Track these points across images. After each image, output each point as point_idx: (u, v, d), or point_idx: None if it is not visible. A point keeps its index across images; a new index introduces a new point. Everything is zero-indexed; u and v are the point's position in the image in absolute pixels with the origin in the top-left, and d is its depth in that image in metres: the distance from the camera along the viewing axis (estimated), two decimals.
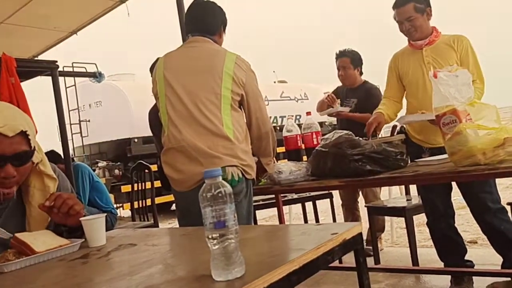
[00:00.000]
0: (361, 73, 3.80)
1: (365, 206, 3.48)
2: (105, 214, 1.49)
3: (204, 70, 2.12)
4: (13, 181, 1.42)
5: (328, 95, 3.83)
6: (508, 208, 2.57)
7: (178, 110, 2.11)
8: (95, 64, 7.41)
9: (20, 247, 1.31)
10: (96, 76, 6.49)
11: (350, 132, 2.30)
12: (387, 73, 2.84)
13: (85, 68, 7.27)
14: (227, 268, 0.86)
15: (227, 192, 0.88)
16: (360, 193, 3.92)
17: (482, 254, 3.29)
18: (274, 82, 11.20)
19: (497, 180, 2.45)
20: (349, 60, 3.72)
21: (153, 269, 1.07)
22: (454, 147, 1.89)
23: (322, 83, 11.10)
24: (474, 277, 2.67)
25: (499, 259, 2.58)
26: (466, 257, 2.76)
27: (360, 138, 2.28)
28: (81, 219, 1.43)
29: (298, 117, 9.32)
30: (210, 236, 0.87)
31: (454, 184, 2.67)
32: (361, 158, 2.14)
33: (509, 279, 2.40)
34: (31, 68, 3.27)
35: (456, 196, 2.73)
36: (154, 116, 2.67)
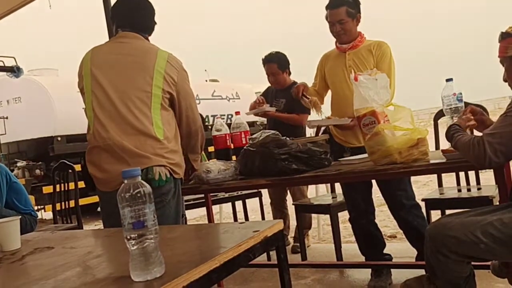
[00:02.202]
0: (289, 74, 3.88)
1: (292, 204, 3.56)
2: (19, 216, 1.42)
3: (134, 67, 2.06)
4: None
5: (258, 98, 3.88)
6: (422, 204, 2.75)
7: (105, 108, 2.04)
8: (14, 58, 6.99)
9: None
10: (14, 70, 6.10)
11: (277, 132, 2.34)
12: (316, 71, 2.95)
13: (3, 62, 6.83)
14: (146, 269, 0.85)
15: (147, 192, 0.87)
16: (288, 191, 4.01)
17: (401, 248, 3.48)
18: (206, 80, 11.16)
19: (415, 178, 2.62)
20: (276, 66, 3.78)
21: (69, 272, 1.03)
22: (373, 147, 1.99)
23: (254, 83, 11.22)
24: (392, 270, 2.83)
25: (414, 252, 2.75)
26: (385, 251, 2.91)
27: (287, 138, 2.34)
28: None
29: (229, 116, 9.34)
30: (128, 237, 0.85)
31: (374, 181, 2.81)
32: (287, 157, 2.19)
33: (422, 271, 2.57)
34: None
35: (378, 194, 2.87)
36: None
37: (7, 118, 7.54)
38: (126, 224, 0.85)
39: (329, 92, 2.93)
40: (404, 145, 1.93)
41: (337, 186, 3.61)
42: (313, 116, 2.98)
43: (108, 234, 1.42)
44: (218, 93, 10.25)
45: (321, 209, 3.32)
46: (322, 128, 2.90)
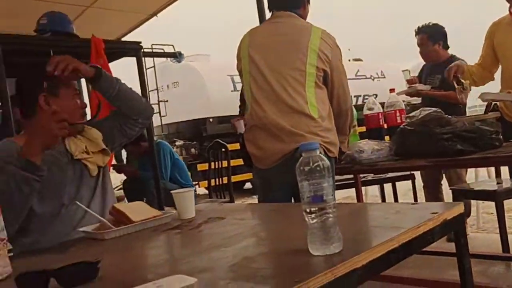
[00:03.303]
0: (445, 48, 3.58)
1: (450, 189, 3.31)
2: (194, 188, 1.54)
3: (289, 47, 2.09)
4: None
5: (410, 78, 3.65)
6: None
7: (262, 88, 2.11)
8: (173, 46, 7.65)
9: (118, 216, 1.39)
10: (176, 56, 6.67)
11: (439, 110, 2.18)
12: (483, 42, 2.66)
13: (163, 50, 7.51)
14: (325, 243, 0.85)
15: (325, 165, 0.86)
16: (444, 175, 3.73)
17: None
18: (349, 60, 10.92)
19: None
20: (427, 37, 3.52)
21: (245, 241, 1.08)
22: None
23: (400, 61, 10.66)
24: None
25: None
26: None
27: (450, 116, 2.16)
28: (172, 192, 1.49)
29: (374, 96, 9.03)
30: (308, 210, 0.86)
31: None
32: (450, 137, 2.02)
33: None
34: (117, 49, 3.41)
35: None
36: None
37: (167, 101, 8.30)
38: (305, 197, 0.86)
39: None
40: None
41: (503, 171, 3.26)
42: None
43: (273, 208, 1.46)
44: (361, 72, 9.97)
45: (485, 195, 3.02)
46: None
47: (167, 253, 1.18)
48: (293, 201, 2.14)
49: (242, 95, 2.31)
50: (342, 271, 0.78)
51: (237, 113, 3.33)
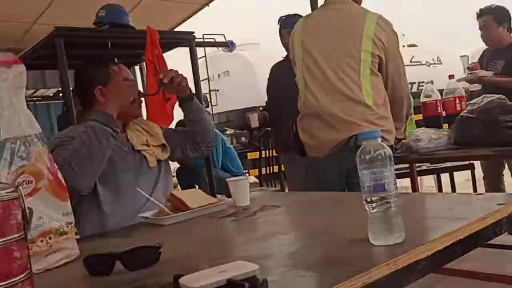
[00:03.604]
0: (509, 30, 3.38)
1: None
2: (248, 176, 1.55)
3: (343, 33, 2.05)
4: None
5: (471, 65, 3.48)
6: None
7: (315, 76, 2.08)
8: (223, 35, 7.70)
9: (176, 203, 1.43)
10: (228, 45, 6.71)
11: (503, 96, 2.07)
12: None
13: (214, 39, 7.58)
14: (386, 233, 0.83)
15: (387, 154, 0.84)
16: (506, 165, 3.55)
17: None
18: (403, 46, 10.58)
19: None
20: (491, 18, 3.32)
21: (302, 230, 1.08)
22: None
23: (457, 46, 10.22)
24: None
25: None
26: None
27: None
28: (227, 180, 1.51)
29: (429, 83, 8.71)
30: (368, 199, 0.84)
31: None
32: None
33: None
34: (171, 40, 3.47)
35: None
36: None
37: (218, 90, 8.40)
38: (366, 186, 0.84)
39: None
40: None
41: None
42: None
43: (328, 197, 1.45)
44: (417, 58, 9.63)
45: None
46: None
47: (224, 240, 1.20)
48: (346, 190, 2.11)
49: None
50: (405, 262, 0.76)
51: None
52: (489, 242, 2.64)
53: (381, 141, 2.04)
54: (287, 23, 3.14)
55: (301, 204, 1.46)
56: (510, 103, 2.03)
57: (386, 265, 0.74)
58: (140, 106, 1.79)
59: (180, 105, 1.83)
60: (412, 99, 2.60)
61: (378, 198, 0.83)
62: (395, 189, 0.84)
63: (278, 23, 3.38)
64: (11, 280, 0.59)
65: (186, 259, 0.96)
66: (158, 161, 1.73)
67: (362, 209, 0.86)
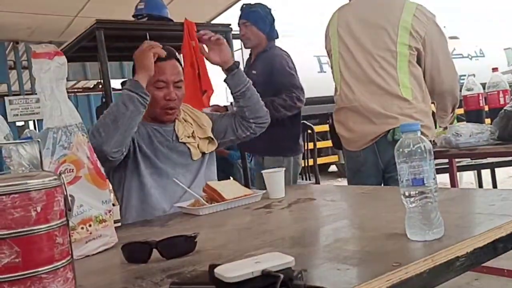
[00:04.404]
0: None
1: None
2: (284, 168, 1.54)
3: (378, 25, 2.00)
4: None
5: None
6: None
7: (351, 69, 2.05)
8: None
9: (212, 194, 1.44)
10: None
11: None
12: None
13: None
14: (425, 228, 0.81)
15: (427, 148, 0.82)
16: None
17: None
18: None
19: None
20: None
21: (338, 223, 1.07)
22: None
23: (501, 38, 9.82)
24: None
25: None
26: None
27: None
28: (263, 171, 1.51)
29: (472, 76, 8.43)
30: (407, 193, 0.83)
31: None
32: None
33: None
34: None
35: None
36: None
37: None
38: (404, 180, 0.83)
39: None
40: None
41: None
42: None
43: (364, 191, 1.43)
44: (458, 51, 9.32)
45: None
46: None
47: (259, 231, 1.20)
48: (382, 185, 2.08)
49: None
50: (444, 258, 0.74)
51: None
52: None
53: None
54: (244, 13, 2.88)
55: (336, 198, 1.45)
56: None
57: (424, 260, 0.72)
58: (173, 110, 1.70)
59: (225, 80, 1.76)
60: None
61: (416, 192, 0.81)
62: (434, 184, 0.82)
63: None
64: (54, 265, 0.61)
65: (221, 249, 0.97)
66: (203, 153, 1.74)
67: (399, 204, 0.84)
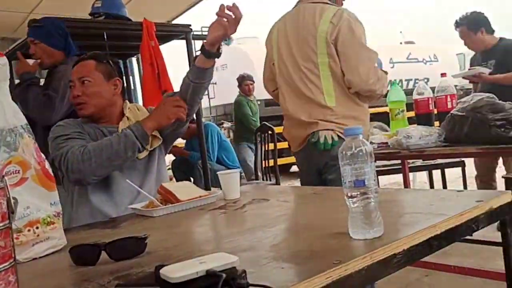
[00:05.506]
0: (489, 32, 3.44)
1: (502, 177, 3.19)
2: (240, 169, 1.57)
3: (303, 36, 2.06)
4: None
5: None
6: None
7: (285, 78, 2.15)
8: None
9: (166, 195, 1.44)
10: (225, 39, 6.67)
11: (492, 95, 2.09)
12: None
13: None
14: (366, 227, 0.85)
15: (368, 150, 0.86)
16: (502, 162, 3.59)
17: None
18: (401, 43, 10.59)
19: None
20: (466, 28, 3.43)
21: (287, 223, 1.11)
22: None
23: (453, 44, 10.22)
24: None
25: None
26: None
27: (504, 102, 2.07)
28: (218, 173, 1.53)
29: (425, 80, 8.74)
30: (349, 194, 0.86)
31: None
32: (504, 124, 1.95)
33: None
34: (168, 32, 3.48)
35: None
36: None
37: (215, 83, 8.39)
38: (347, 181, 0.86)
39: None
40: None
41: None
42: None
43: (315, 192, 1.47)
44: (413, 55, 9.64)
45: None
46: None
47: (212, 232, 1.23)
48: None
49: None
50: (382, 255, 0.78)
51: None
52: (477, 239, 2.68)
53: (339, 138, 2.09)
54: (31, 30, 2.53)
55: (288, 198, 1.48)
56: (499, 101, 2.05)
57: (363, 258, 0.76)
58: (81, 106, 1.66)
59: (198, 69, 1.62)
60: (404, 96, 2.63)
61: (358, 193, 0.85)
62: (375, 185, 0.86)
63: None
64: None
65: (171, 250, 0.98)
66: (150, 151, 1.73)
67: (345, 204, 0.88)
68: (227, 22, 1.51)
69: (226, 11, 1.50)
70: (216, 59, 1.63)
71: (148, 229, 1.23)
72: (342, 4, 2.23)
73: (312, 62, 2.04)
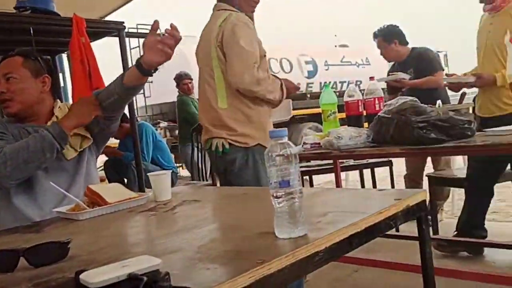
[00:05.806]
0: (403, 43, 3.69)
1: (426, 175, 3.39)
2: (171, 171, 1.55)
3: (204, 42, 2.17)
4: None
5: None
6: None
7: (199, 84, 2.23)
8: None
9: (93, 197, 1.40)
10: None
11: (415, 99, 2.22)
12: None
13: (149, 30, 7.40)
14: (291, 227, 0.88)
15: (293, 152, 0.88)
16: (431, 161, 3.82)
17: None
18: (335, 46, 10.91)
19: None
20: (382, 39, 3.69)
21: (216, 224, 1.11)
22: None
23: None
24: None
25: None
26: None
27: (425, 105, 2.20)
28: (149, 174, 1.51)
29: (358, 82, 9.07)
30: (275, 195, 0.89)
31: None
32: (425, 126, 2.07)
33: None
34: (100, 29, 3.36)
35: None
36: None
37: (152, 82, 8.22)
38: (273, 182, 0.88)
39: None
40: None
41: None
42: None
43: (246, 192, 1.49)
44: (347, 59, 9.97)
45: (457, 182, 3.11)
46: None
47: (141, 234, 1.21)
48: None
49: None
50: (304, 253, 0.81)
51: None
52: (402, 234, 2.82)
53: (232, 144, 2.22)
54: None
55: (219, 199, 1.49)
56: (421, 105, 2.18)
57: (286, 256, 0.78)
58: (6, 103, 1.61)
59: (134, 85, 1.61)
60: (335, 98, 2.72)
61: (283, 193, 0.88)
62: (299, 185, 0.89)
63: None
64: None
65: (95, 254, 0.95)
66: (79, 152, 1.67)
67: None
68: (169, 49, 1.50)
69: (166, 35, 1.49)
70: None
71: (74, 233, 1.19)
72: (252, 11, 2.25)
73: (209, 66, 2.12)
